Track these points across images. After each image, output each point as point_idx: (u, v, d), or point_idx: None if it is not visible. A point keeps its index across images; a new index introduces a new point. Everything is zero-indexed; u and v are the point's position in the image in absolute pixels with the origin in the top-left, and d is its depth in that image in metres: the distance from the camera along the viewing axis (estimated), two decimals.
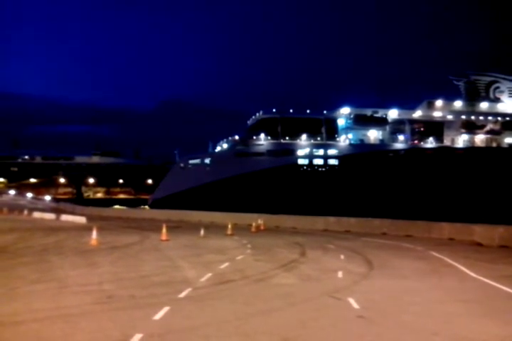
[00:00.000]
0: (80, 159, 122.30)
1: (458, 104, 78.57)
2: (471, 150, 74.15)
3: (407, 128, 74.21)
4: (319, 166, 69.35)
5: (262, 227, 32.09)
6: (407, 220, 29.69)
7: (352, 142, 71.51)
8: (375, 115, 73.87)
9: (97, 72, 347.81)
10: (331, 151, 69.83)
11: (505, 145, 77.39)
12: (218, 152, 72.67)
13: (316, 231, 30.87)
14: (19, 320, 7.51)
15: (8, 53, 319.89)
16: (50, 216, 44.93)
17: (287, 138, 69.61)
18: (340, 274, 12.98)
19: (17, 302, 8.88)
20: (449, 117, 76.48)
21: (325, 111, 73.09)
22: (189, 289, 10.35)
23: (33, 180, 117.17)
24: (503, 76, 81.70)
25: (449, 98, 78.62)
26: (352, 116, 72.39)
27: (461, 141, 76.46)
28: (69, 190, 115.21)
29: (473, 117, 77.68)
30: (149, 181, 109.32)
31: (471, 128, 76.92)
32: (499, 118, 77.97)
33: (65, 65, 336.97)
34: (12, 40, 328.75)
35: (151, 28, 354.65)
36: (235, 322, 7.66)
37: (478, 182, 67.76)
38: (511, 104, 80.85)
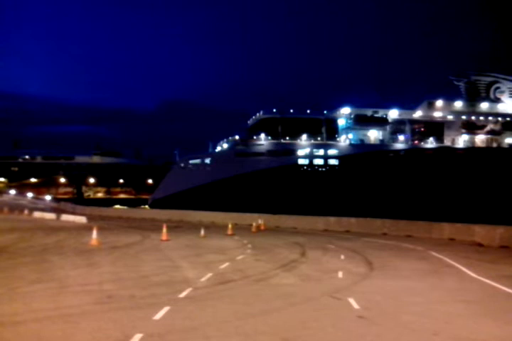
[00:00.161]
0: (80, 159, 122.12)
1: (458, 104, 78.55)
2: (471, 150, 74.17)
3: (408, 128, 74.23)
4: (319, 166, 69.36)
5: (262, 227, 32.06)
6: (407, 220, 29.64)
7: (352, 142, 71.51)
8: (376, 115, 73.89)
9: (98, 72, 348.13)
10: (331, 151, 69.85)
11: (506, 146, 77.42)
12: (218, 152, 72.63)
13: (317, 231, 30.85)
14: (19, 320, 7.50)
15: (8, 53, 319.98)
16: (50, 216, 44.89)
17: (287, 138, 69.63)
18: (340, 274, 12.96)
19: (17, 302, 8.86)
20: (450, 117, 76.47)
21: (325, 111, 73.08)
22: (189, 289, 10.34)
23: (33, 180, 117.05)
24: (503, 76, 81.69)
25: (450, 98, 78.63)
26: (352, 116, 72.41)
27: (462, 141, 76.46)
28: (69, 189, 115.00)
29: (473, 117, 77.67)
30: (150, 181, 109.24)
31: (471, 128, 76.92)
32: (499, 119, 78.00)
33: (66, 65, 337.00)
34: (12, 40, 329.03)
35: (151, 28, 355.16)
36: (235, 322, 7.65)
37: (479, 182, 67.81)
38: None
